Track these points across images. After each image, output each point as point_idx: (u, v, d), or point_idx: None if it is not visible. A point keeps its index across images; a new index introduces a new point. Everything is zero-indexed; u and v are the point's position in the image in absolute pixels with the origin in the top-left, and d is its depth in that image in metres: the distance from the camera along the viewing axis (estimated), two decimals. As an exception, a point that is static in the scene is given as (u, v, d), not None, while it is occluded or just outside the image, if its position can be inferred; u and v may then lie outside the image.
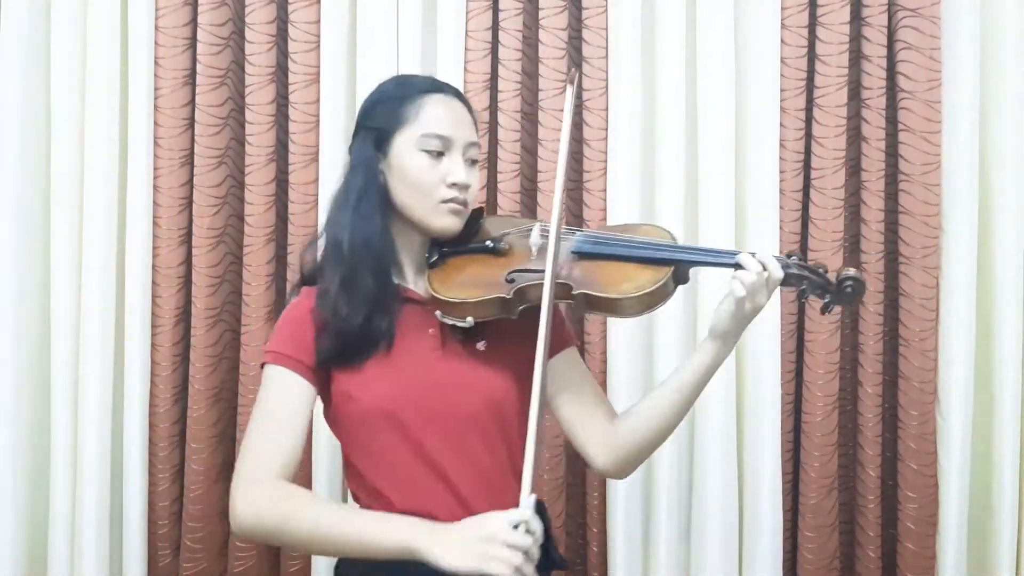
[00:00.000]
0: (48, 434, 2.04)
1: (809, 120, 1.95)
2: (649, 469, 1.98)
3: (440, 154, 1.29)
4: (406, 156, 1.29)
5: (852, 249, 1.99)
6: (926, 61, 1.90)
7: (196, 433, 2.02)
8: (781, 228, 1.94)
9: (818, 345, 1.93)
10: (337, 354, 1.25)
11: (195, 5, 2.01)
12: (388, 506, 1.24)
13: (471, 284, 1.28)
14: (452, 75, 1.95)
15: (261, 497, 1.18)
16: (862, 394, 1.95)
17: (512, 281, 1.27)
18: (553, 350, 1.36)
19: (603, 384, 1.94)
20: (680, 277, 1.30)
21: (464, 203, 1.31)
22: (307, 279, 1.36)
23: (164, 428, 2.04)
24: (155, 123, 2.01)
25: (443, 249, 1.34)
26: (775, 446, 1.93)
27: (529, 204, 2.01)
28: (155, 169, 2.02)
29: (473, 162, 1.33)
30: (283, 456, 1.21)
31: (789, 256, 1.28)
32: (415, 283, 1.34)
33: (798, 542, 1.97)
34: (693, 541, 1.97)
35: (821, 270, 1.27)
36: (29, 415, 2.05)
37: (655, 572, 1.96)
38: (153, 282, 2.03)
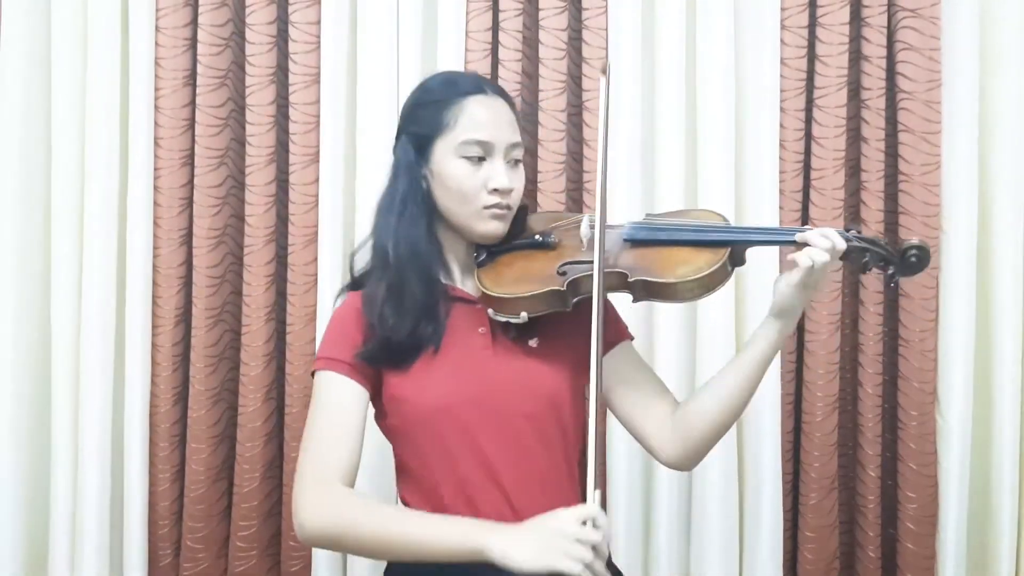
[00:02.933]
0: (48, 434, 2.05)
1: (809, 120, 1.95)
2: (649, 469, 1.98)
3: (481, 159, 1.27)
4: (447, 163, 1.27)
5: (852, 249, 1.99)
6: (926, 62, 1.90)
7: (196, 433, 2.02)
8: (781, 228, 1.94)
9: (818, 345, 1.93)
10: (383, 359, 1.25)
11: (195, 5, 2.01)
12: (440, 508, 1.23)
13: (523, 279, 1.26)
14: (452, 76, 1.95)
15: (326, 504, 1.17)
16: (862, 394, 1.95)
17: (564, 273, 1.26)
18: (607, 345, 1.34)
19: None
20: (737, 259, 1.28)
21: (508, 207, 1.29)
22: (355, 283, 1.35)
23: (164, 428, 2.04)
24: (155, 123, 2.01)
25: (491, 248, 1.32)
26: (775, 446, 1.93)
27: (530, 204, 2.01)
28: (155, 169, 2.02)
29: (516, 163, 1.31)
30: (343, 461, 1.21)
31: (848, 229, 1.26)
32: (463, 283, 1.33)
33: (798, 542, 1.97)
34: (693, 541, 1.97)
35: (883, 241, 1.26)
36: (29, 415, 2.05)
37: (655, 572, 1.96)
38: (153, 283, 2.03)
